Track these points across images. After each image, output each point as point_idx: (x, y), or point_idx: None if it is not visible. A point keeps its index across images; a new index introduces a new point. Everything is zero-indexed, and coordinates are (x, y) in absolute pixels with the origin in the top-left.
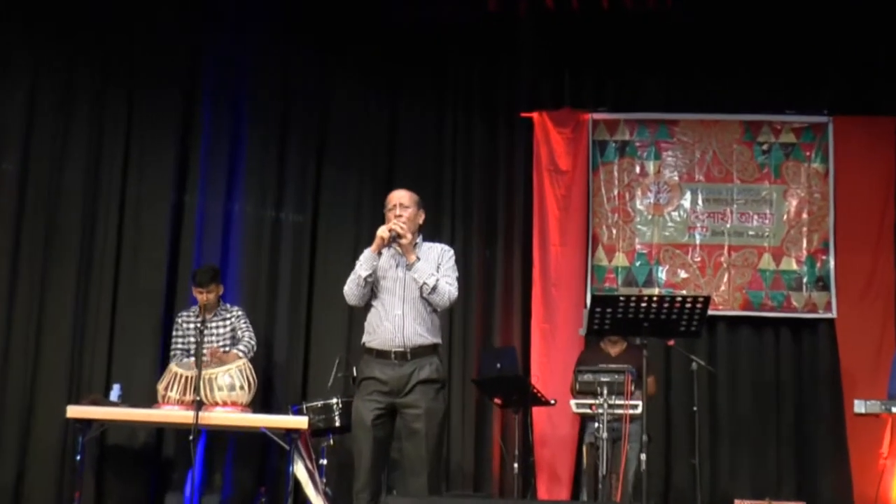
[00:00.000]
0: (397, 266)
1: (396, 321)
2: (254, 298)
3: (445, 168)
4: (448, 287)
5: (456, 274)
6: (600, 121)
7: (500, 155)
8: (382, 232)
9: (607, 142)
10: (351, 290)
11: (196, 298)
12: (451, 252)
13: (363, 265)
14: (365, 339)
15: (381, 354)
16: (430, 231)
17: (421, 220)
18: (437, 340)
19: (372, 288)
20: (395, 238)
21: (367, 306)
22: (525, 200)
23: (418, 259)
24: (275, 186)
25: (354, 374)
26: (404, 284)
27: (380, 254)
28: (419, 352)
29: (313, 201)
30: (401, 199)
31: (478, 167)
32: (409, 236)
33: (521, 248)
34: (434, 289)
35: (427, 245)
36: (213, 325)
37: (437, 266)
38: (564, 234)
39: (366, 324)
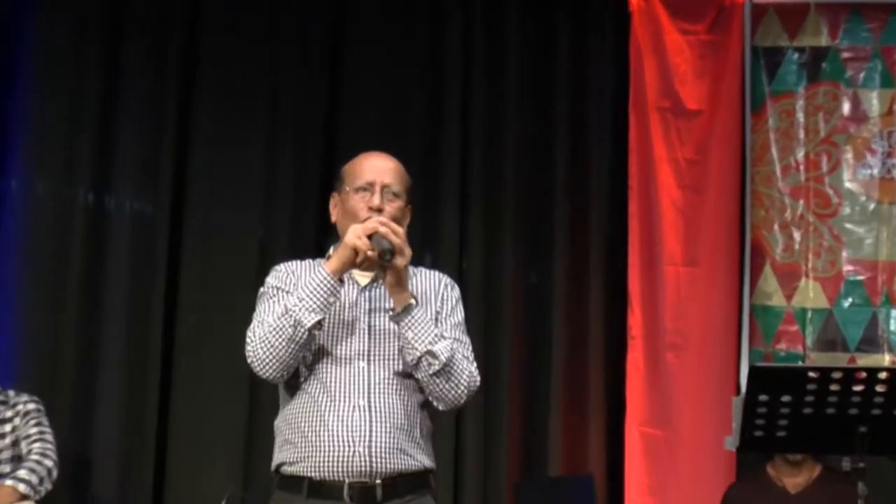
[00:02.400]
0: (369, 310)
1: (357, 422)
2: (48, 366)
3: (448, 115)
4: (467, 364)
5: (469, 338)
6: (769, 6)
7: (561, 82)
8: (355, 239)
9: (783, 50)
10: (273, 348)
11: None
12: (457, 291)
13: (310, 300)
14: (280, 457)
15: (321, 491)
16: (418, 236)
17: (406, 223)
18: (431, 464)
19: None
20: (386, 255)
21: (290, 388)
22: (612, 173)
23: (416, 303)
24: (93, 151)
25: None
26: (377, 346)
27: (341, 281)
28: (401, 486)
29: (174, 179)
30: (384, 178)
31: (514, 108)
32: (409, 253)
33: (603, 269)
34: (447, 366)
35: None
36: None
37: (435, 315)
38: (694, 241)
39: (281, 425)
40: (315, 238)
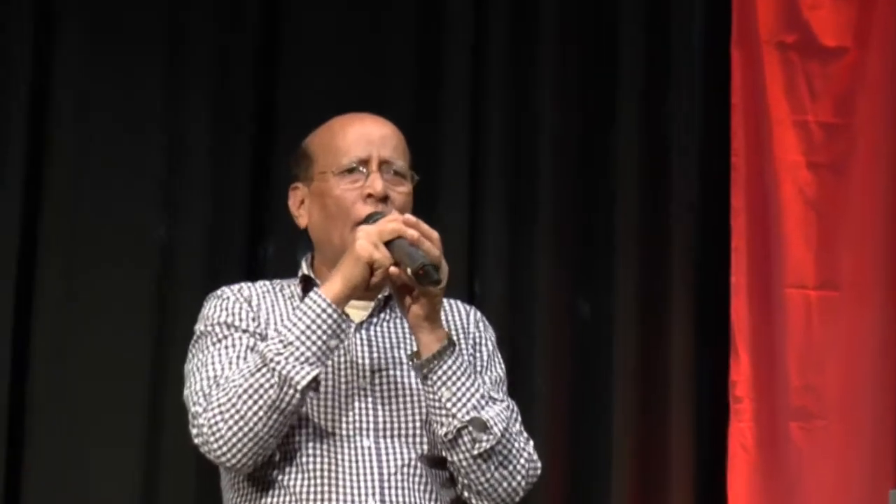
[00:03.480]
0: (373, 359)
1: None
2: None
3: (451, 62)
4: (523, 442)
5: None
6: None
7: (627, 8)
8: (372, 248)
9: None
10: (246, 422)
11: None
12: (492, 330)
13: (302, 344)
14: None
15: None
16: None
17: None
18: None
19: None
20: (433, 275)
21: (251, 478)
22: (704, 145)
23: (453, 347)
24: None
25: None
26: (389, 414)
27: (347, 317)
28: None
29: (28, 151)
30: (382, 150)
31: (552, 51)
32: (446, 269)
33: (691, 296)
34: (501, 444)
35: None
36: None
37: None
38: (832, 250)
39: None
40: (245, 243)
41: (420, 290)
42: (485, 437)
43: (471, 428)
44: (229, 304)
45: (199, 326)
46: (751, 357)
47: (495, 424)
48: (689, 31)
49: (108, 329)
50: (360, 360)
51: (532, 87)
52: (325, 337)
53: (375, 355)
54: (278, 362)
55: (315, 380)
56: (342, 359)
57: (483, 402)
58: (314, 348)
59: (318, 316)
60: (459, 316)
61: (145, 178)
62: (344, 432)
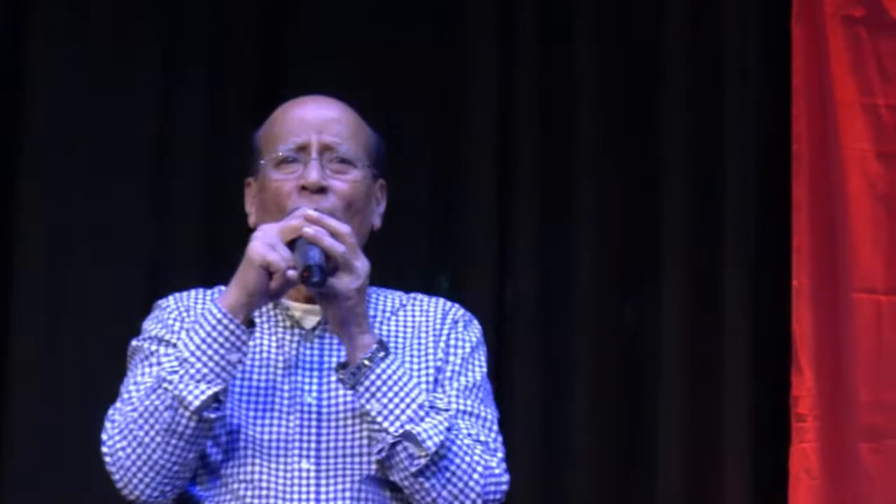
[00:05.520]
0: (322, 372)
1: None
2: None
3: (476, 30)
4: (481, 455)
5: (495, 411)
6: None
7: None
8: (266, 250)
9: None
10: (143, 448)
11: None
12: (476, 330)
13: (197, 361)
14: None
15: None
16: (418, 242)
17: (379, 212)
18: None
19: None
20: (314, 276)
21: None
22: (761, 131)
23: (384, 350)
24: None
25: None
26: (335, 433)
27: (251, 324)
28: None
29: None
30: (324, 134)
31: (588, 26)
32: (363, 267)
33: (746, 301)
34: (440, 460)
35: (384, 296)
36: None
37: (434, 374)
38: None
39: None
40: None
41: (328, 294)
42: (418, 454)
43: (406, 443)
44: (164, 314)
45: (134, 341)
46: (814, 370)
47: (429, 438)
48: (744, 4)
49: (94, 334)
50: (306, 372)
51: (569, 67)
52: (222, 351)
53: (326, 365)
54: (171, 381)
55: (216, 398)
56: (280, 372)
57: (422, 414)
58: (211, 364)
59: (214, 328)
60: (426, 315)
61: (134, 174)
62: (282, 453)
